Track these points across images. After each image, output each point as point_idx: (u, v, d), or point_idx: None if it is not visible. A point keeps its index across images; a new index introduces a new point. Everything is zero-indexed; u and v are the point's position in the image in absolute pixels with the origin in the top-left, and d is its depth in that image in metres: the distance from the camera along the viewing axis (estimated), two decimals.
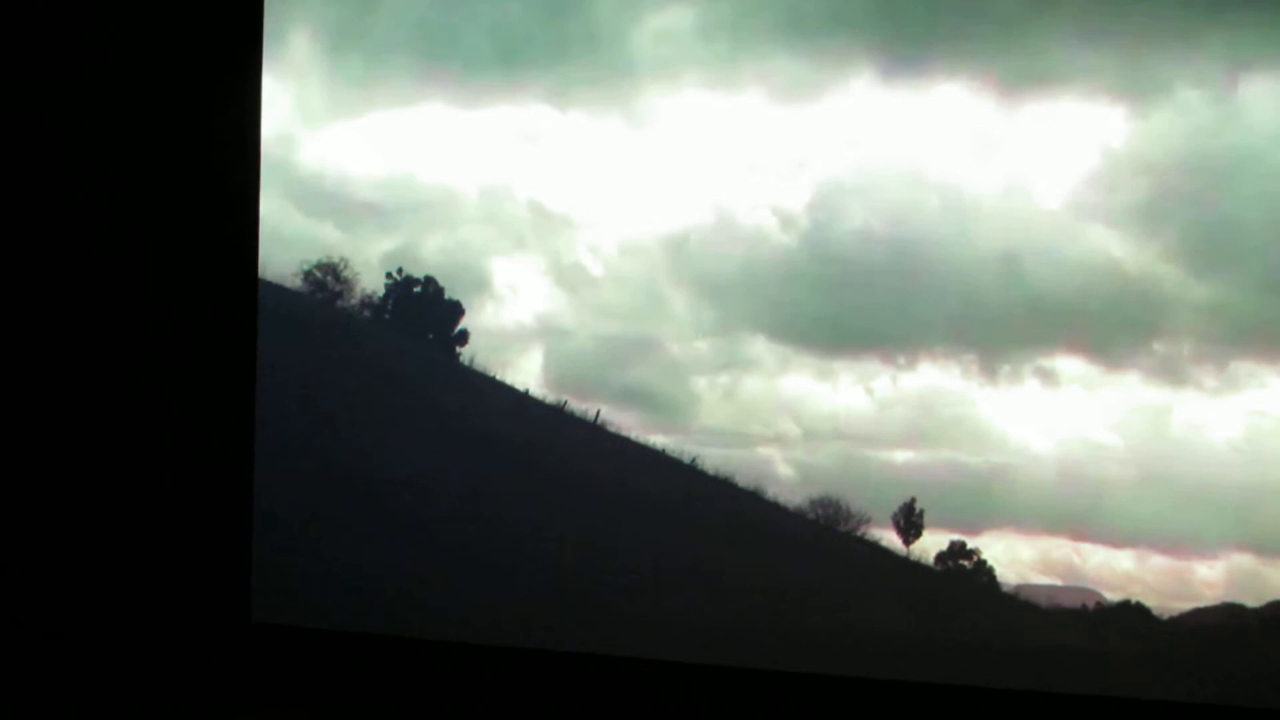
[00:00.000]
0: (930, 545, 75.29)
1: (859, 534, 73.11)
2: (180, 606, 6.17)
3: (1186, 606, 71.47)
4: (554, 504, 52.03)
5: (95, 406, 6.04)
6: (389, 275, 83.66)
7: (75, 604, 6.00)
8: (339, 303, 76.38)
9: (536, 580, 44.88)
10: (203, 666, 6.16)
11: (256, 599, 6.37)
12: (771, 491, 73.50)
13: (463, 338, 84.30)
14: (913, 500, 77.99)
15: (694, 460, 74.66)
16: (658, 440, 77.37)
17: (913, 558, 74.07)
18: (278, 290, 61.46)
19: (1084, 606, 71.03)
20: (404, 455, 51.33)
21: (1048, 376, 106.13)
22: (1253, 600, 66.99)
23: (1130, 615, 64.35)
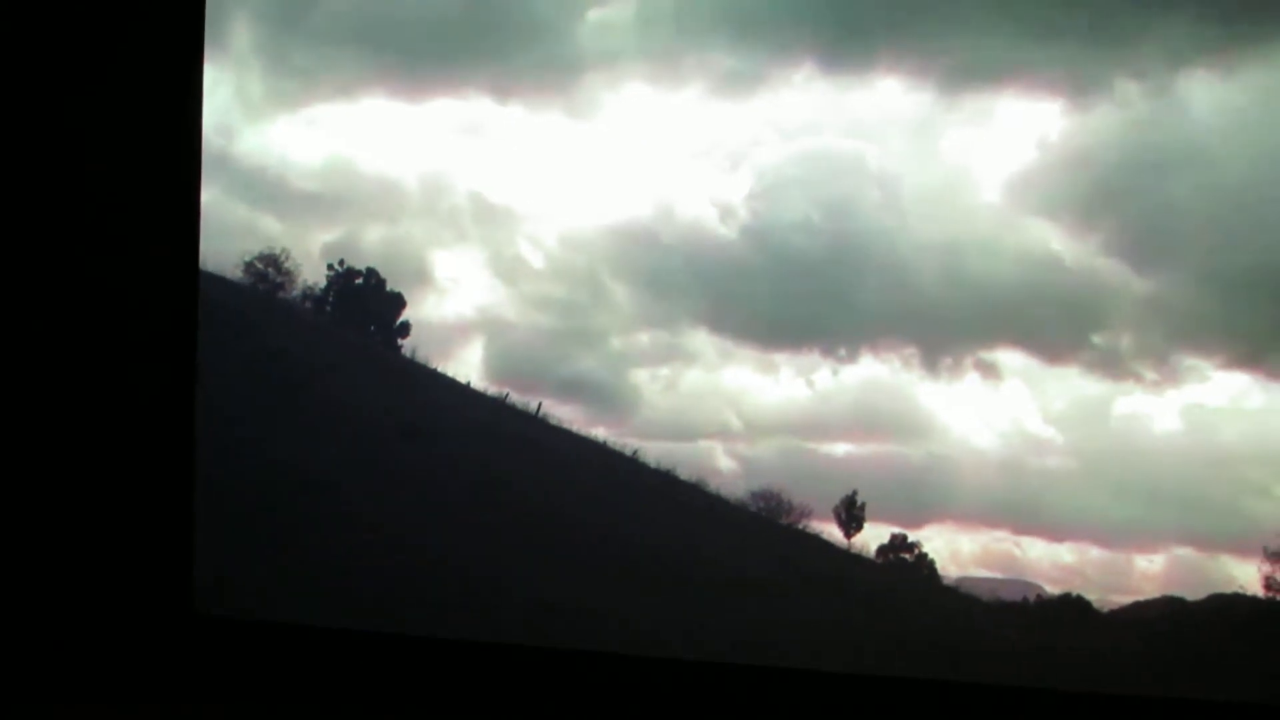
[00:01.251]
0: (872, 538, 75.79)
1: (800, 527, 73.65)
2: (120, 598, 6.11)
3: (1127, 600, 72.15)
4: (495, 497, 51.97)
5: (31, 398, 5.97)
6: (330, 267, 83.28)
7: (7, 597, 5.92)
8: (280, 294, 76.09)
9: (477, 572, 44.82)
10: (142, 659, 6.10)
11: (199, 591, 6.32)
12: (713, 484, 73.66)
13: (405, 330, 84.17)
14: (854, 493, 78.27)
15: (635, 453, 74.97)
16: (599, 433, 77.54)
17: (854, 550, 74.66)
18: (219, 282, 61.12)
19: (1025, 599, 71.60)
20: (345, 449, 51.14)
21: (988, 370, 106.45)
22: (1192, 593, 67.69)
23: (1071, 608, 64.87)
